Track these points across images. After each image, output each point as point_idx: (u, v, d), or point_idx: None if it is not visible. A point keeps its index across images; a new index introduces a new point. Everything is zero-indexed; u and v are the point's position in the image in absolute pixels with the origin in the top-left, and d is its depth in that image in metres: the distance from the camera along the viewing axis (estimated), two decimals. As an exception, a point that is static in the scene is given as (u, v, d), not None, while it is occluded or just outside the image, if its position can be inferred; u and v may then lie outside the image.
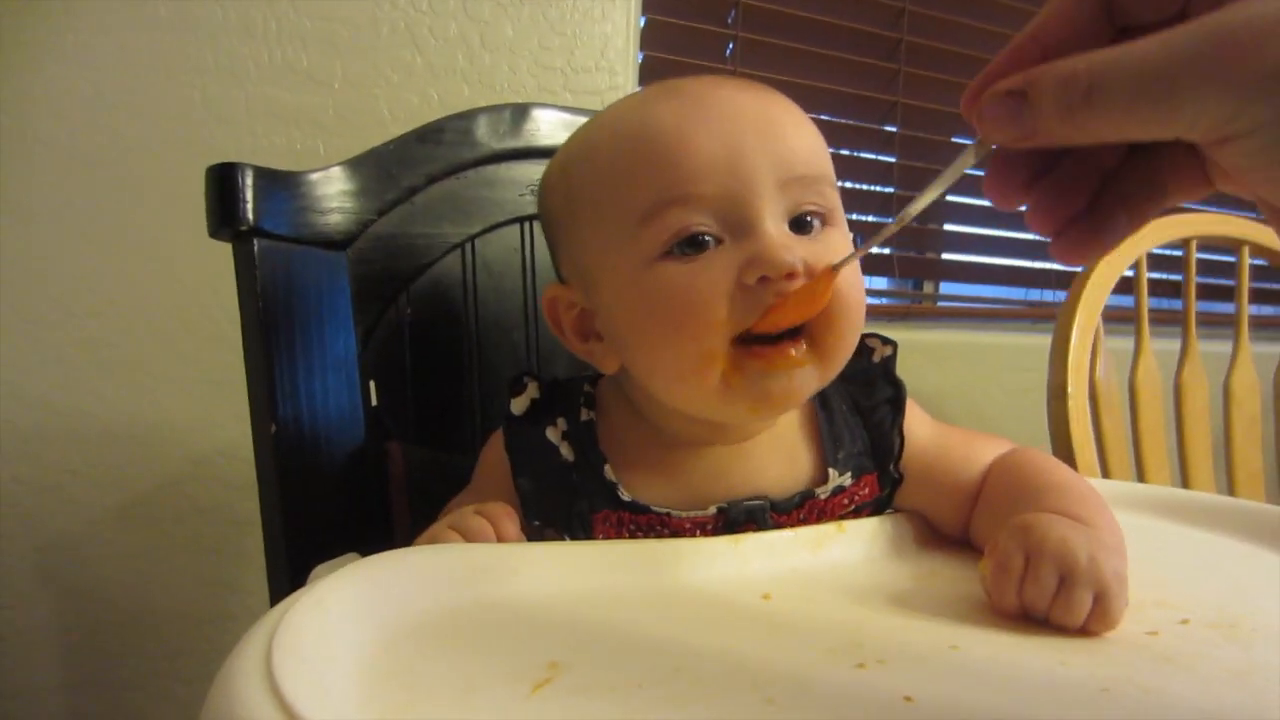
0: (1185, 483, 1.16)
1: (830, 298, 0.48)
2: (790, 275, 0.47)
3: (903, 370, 0.60)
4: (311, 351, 0.63)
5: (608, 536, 0.54)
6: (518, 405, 0.57)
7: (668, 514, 0.54)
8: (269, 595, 0.65)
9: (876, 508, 0.58)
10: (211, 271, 1.04)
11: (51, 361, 1.01)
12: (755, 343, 0.49)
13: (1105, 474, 1.06)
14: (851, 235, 0.55)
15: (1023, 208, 0.35)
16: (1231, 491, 1.20)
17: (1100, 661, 0.40)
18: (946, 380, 1.58)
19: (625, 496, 0.54)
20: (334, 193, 0.65)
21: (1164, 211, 0.36)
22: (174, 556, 1.10)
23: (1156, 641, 0.42)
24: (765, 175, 0.49)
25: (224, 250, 0.63)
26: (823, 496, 0.55)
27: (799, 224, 0.51)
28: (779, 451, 0.57)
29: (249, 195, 0.59)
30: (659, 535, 0.53)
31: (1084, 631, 0.43)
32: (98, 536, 1.06)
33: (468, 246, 0.71)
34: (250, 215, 0.59)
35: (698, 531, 0.53)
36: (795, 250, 0.48)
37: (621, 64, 1.26)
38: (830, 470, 0.56)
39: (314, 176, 0.64)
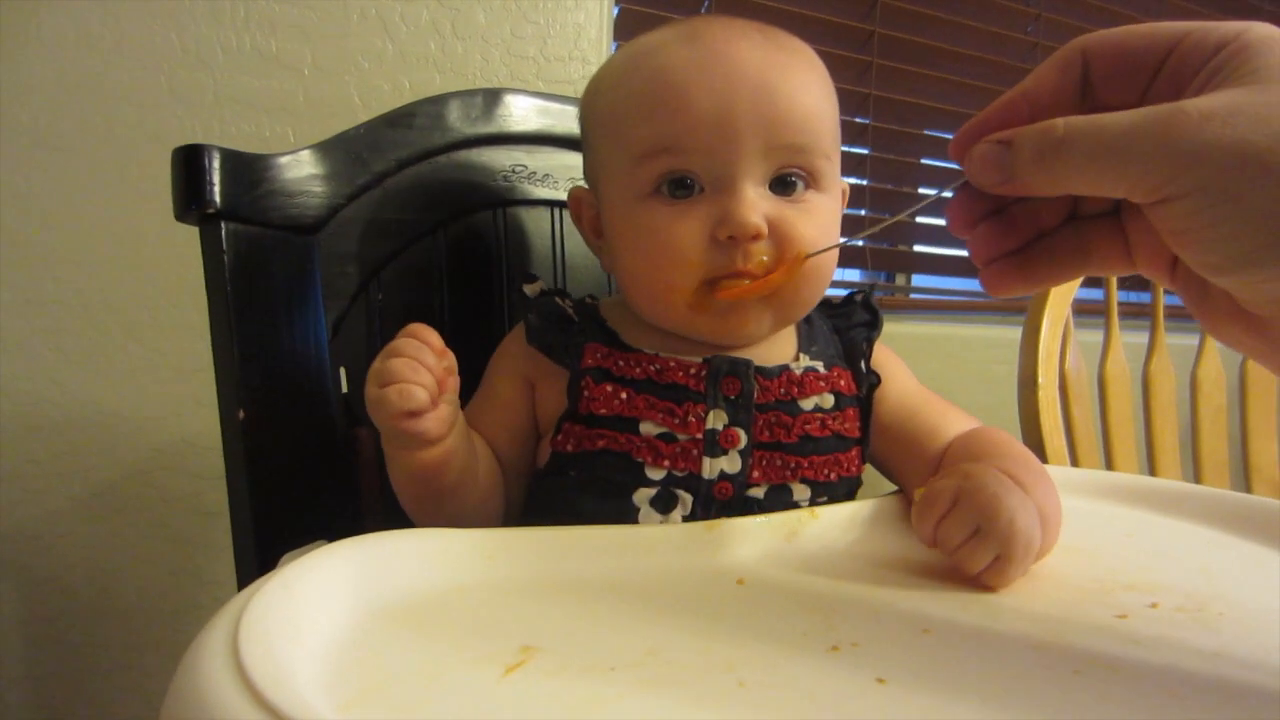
0: (1153, 471, 1.17)
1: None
2: (755, 236, 0.53)
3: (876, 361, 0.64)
4: (280, 337, 0.62)
5: (595, 363, 0.58)
6: (530, 290, 0.62)
7: (656, 354, 0.58)
8: (237, 585, 0.65)
9: (860, 408, 0.61)
10: (178, 259, 1.03)
11: (14, 350, 0.99)
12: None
13: (1074, 463, 1.07)
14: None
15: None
16: (1198, 480, 1.21)
17: (1071, 644, 0.40)
18: (919, 371, 1.57)
19: (623, 338, 0.59)
20: (303, 176, 0.64)
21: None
22: (140, 547, 1.08)
23: (1126, 624, 0.42)
24: (750, 139, 0.54)
25: (191, 238, 0.62)
26: (797, 371, 0.59)
27: (782, 182, 0.56)
28: (763, 347, 0.61)
29: (216, 178, 0.58)
30: (643, 371, 0.57)
31: (977, 581, 0.46)
32: (62, 527, 1.04)
33: (440, 233, 0.70)
34: (217, 198, 0.58)
35: (681, 374, 0.57)
36: (761, 209, 0.54)
37: (595, 53, 1.25)
38: (802, 354, 0.61)
39: (283, 160, 0.63)
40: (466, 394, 0.61)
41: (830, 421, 0.59)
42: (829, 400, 0.59)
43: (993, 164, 0.36)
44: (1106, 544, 0.56)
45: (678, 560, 0.48)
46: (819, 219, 0.56)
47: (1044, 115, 0.35)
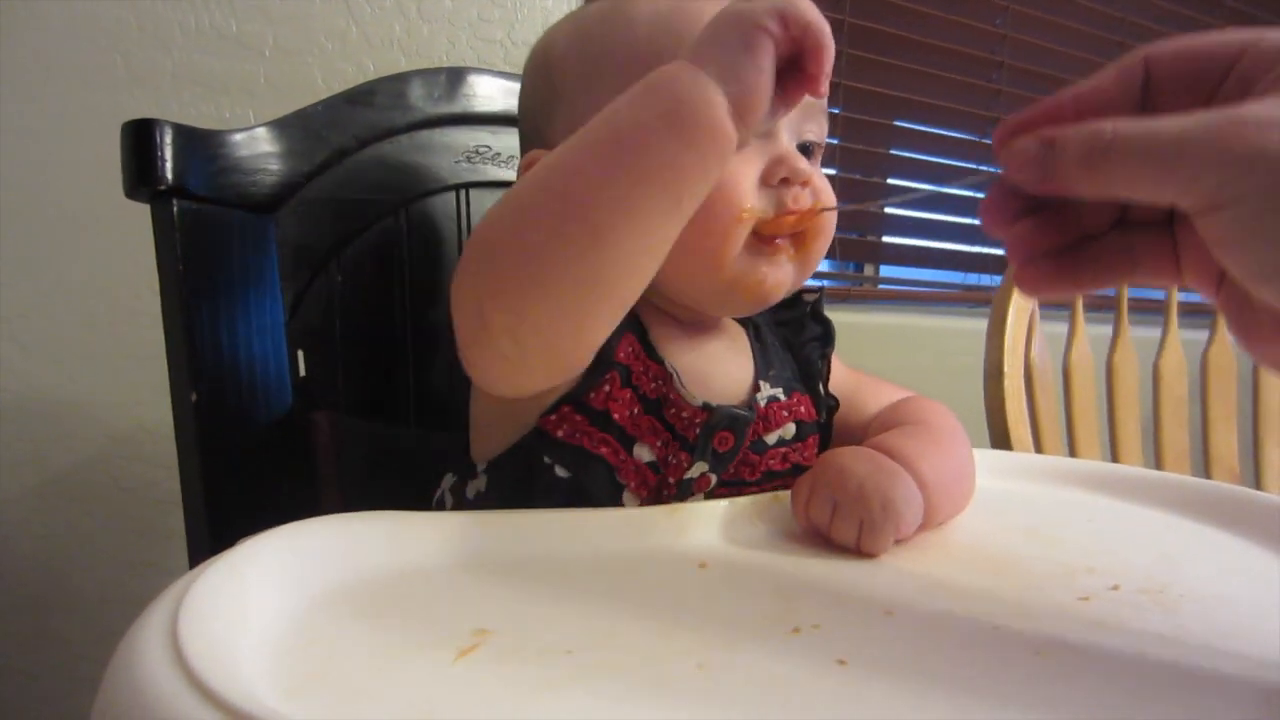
0: (1115, 460, 1.18)
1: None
2: (804, 182, 0.52)
3: (842, 351, 0.63)
4: (235, 318, 0.60)
5: (626, 359, 0.53)
6: None
7: (672, 376, 0.53)
8: (190, 572, 0.63)
9: (820, 434, 0.60)
10: (134, 243, 1.00)
11: (-35, 336, 0.97)
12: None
13: (1038, 450, 1.07)
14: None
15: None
16: (1159, 468, 1.22)
17: (1033, 625, 0.40)
18: (886, 362, 1.57)
19: (650, 337, 0.55)
20: (260, 154, 0.62)
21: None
22: (96, 537, 1.06)
23: (1088, 606, 0.42)
24: None
25: (146, 222, 0.60)
26: (761, 403, 0.57)
27: (801, 149, 0.55)
28: (732, 357, 0.59)
29: (168, 153, 0.57)
30: (656, 389, 0.53)
31: (859, 551, 0.48)
32: (14, 517, 1.01)
33: (401, 213, 0.69)
34: (169, 174, 0.57)
35: (673, 411, 0.53)
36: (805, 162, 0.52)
37: (563, 38, 1.24)
38: (761, 383, 0.58)
39: (238, 137, 0.61)
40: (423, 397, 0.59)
41: (791, 454, 0.58)
42: (790, 431, 0.58)
43: (1033, 161, 0.35)
44: (1069, 528, 0.56)
45: (639, 544, 0.47)
46: (830, 186, 0.55)
47: (1093, 118, 0.34)
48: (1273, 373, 0.38)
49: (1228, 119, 0.30)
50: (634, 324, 0.55)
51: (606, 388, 0.52)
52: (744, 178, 0.51)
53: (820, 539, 0.50)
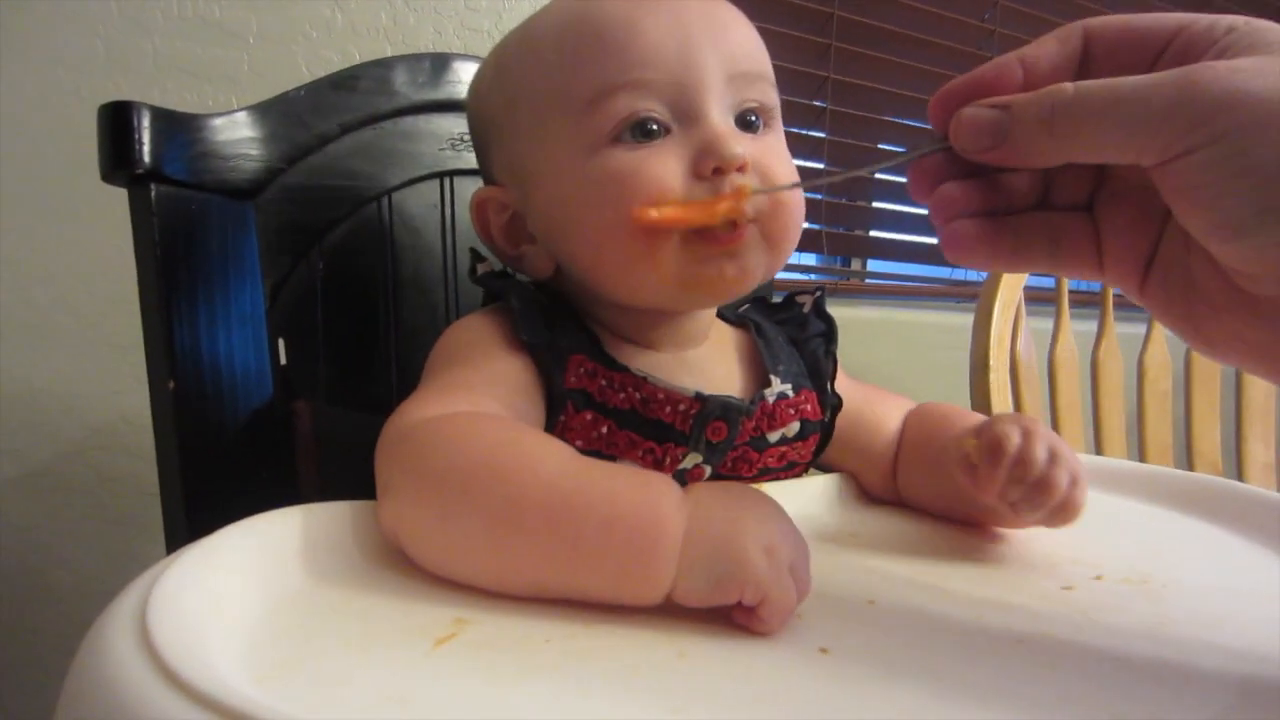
0: (1099, 454, 1.19)
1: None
2: (740, 168, 0.47)
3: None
4: (215, 305, 0.59)
5: (579, 383, 0.50)
6: (482, 268, 0.56)
7: (645, 377, 0.51)
8: (168, 562, 0.62)
9: (823, 433, 0.58)
10: (114, 230, 0.99)
11: (-60, 324, 0.96)
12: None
13: (1023, 445, 1.07)
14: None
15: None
16: (1142, 462, 1.23)
17: (1016, 615, 0.40)
18: (873, 356, 1.59)
19: (605, 348, 0.52)
20: (240, 138, 0.61)
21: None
22: (76, 528, 1.05)
23: (1071, 595, 0.42)
24: (713, 68, 0.49)
25: (126, 208, 0.59)
26: (770, 399, 0.54)
27: (743, 123, 0.51)
28: (723, 363, 0.57)
29: (146, 136, 0.56)
30: (628, 399, 0.50)
31: (1059, 513, 0.46)
32: (-8, 508, 1.01)
33: (384, 200, 0.68)
34: (147, 157, 0.56)
35: (668, 409, 0.51)
36: (743, 143, 0.48)
37: (551, 28, 1.23)
38: (772, 377, 0.56)
39: (218, 121, 0.60)
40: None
41: (790, 452, 0.56)
42: (794, 429, 0.56)
43: (986, 128, 0.34)
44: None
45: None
46: (786, 159, 0.52)
47: (1039, 85, 0.34)
48: (1210, 356, 0.37)
49: (1194, 68, 0.30)
50: (582, 341, 0.52)
51: (561, 418, 0.50)
52: (666, 174, 0.47)
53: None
